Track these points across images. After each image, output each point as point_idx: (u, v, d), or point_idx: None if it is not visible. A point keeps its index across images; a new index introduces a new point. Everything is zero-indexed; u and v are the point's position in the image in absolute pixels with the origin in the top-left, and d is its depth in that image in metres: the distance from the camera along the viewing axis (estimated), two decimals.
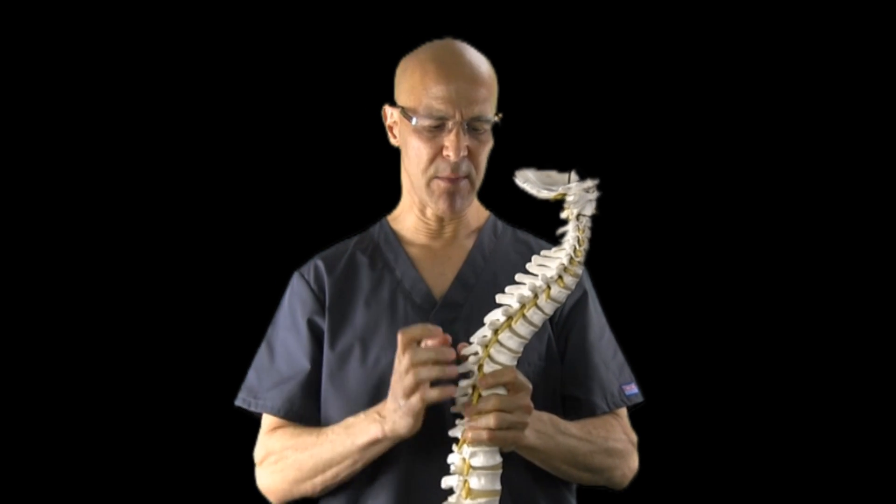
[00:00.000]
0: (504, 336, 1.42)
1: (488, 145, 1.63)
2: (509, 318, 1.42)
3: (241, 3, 2.48)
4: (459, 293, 1.65)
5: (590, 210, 1.39)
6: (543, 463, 1.56)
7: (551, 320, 1.66)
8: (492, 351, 1.42)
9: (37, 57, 2.42)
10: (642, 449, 1.69)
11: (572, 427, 1.58)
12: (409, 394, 1.43)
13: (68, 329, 2.42)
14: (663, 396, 1.92)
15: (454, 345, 1.51)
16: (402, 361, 1.44)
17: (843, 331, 2.48)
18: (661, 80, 2.52)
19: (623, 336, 1.75)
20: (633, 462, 1.67)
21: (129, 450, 2.41)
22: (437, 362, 1.42)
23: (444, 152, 1.58)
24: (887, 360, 2.46)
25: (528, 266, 1.43)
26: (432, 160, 1.60)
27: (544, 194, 1.41)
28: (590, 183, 1.39)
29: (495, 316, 1.42)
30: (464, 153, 1.57)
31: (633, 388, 1.70)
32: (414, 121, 1.59)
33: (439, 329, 1.45)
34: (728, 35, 2.50)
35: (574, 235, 1.40)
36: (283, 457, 1.62)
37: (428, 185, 1.61)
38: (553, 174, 1.43)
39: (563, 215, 1.41)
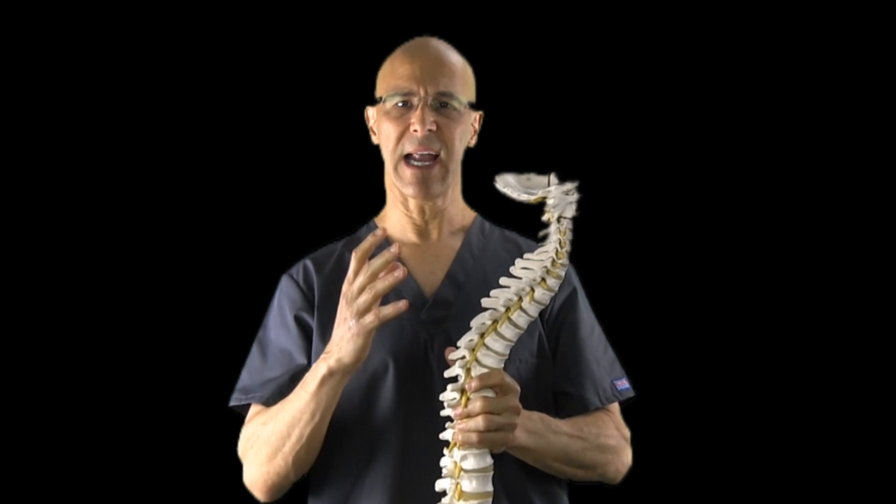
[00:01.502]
0: (490, 339, 1.43)
1: (460, 125, 1.65)
2: (494, 321, 1.43)
3: (230, 6, 2.48)
4: (450, 291, 1.66)
5: (570, 212, 1.41)
6: (536, 462, 1.58)
7: (542, 317, 1.67)
8: (479, 354, 1.44)
9: (30, 57, 2.43)
10: (634, 444, 1.70)
11: (563, 425, 1.59)
12: (364, 313, 1.44)
13: (57, 332, 2.43)
14: (654, 391, 1.93)
15: (447, 344, 1.54)
16: (354, 283, 1.44)
17: (833, 325, 2.49)
18: (642, 81, 2.52)
19: (612, 332, 1.76)
20: (627, 457, 1.68)
21: (117, 453, 2.42)
22: (388, 272, 1.43)
23: (411, 128, 1.62)
24: (873, 351, 2.48)
25: (512, 269, 1.44)
26: (400, 138, 1.63)
27: (524, 198, 1.42)
28: (569, 186, 1.41)
29: (481, 320, 1.43)
30: (430, 127, 1.61)
31: (624, 384, 1.72)
32: (383, 100, 1.64)
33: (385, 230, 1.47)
34: (707, 36, 2.51)
35: (556, 238, 1.41)
36: (255, 438, 1.61)
37: (396, 168, 1.64)
38: (533, 177, 1.44)
39: (545, 218, 1.42)
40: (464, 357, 1.44)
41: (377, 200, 1.76)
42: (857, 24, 2.48)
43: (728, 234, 2.52)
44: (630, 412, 1.74)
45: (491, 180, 1.46)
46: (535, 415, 1.56)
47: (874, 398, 2.46)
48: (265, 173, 2.48)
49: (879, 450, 2.45)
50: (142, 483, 2.42)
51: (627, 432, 1.70)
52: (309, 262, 1.72)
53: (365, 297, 1.44)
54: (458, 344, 1.44)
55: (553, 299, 1.68)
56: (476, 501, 1.44)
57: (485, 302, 1.44)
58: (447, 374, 1.45)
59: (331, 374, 1.50)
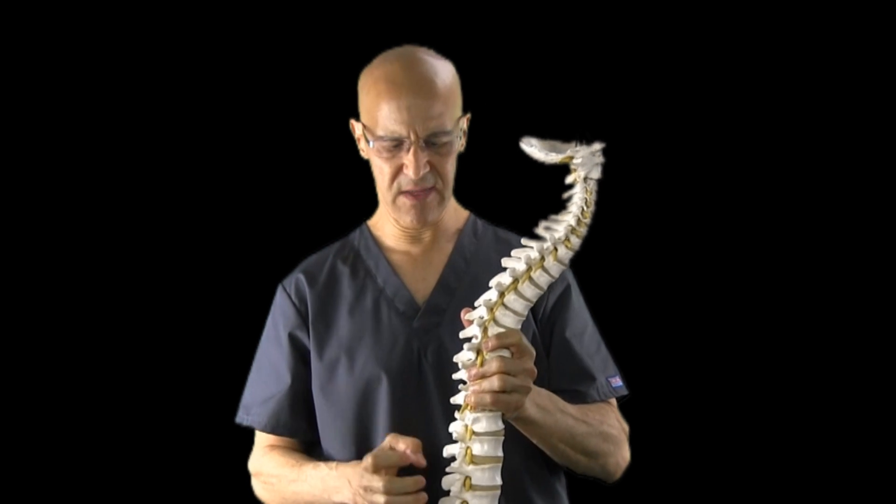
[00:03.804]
0: (510, 298, 1.42)
1: (452, 156, 1.62)
2: (515, 280, 1.42)
3: (223, 11, 2.49)
4: (442, 298, 1.65)
5: (596, 173, 1.42)
6: (542, 440, 1.55)
7: (535, 315, 1.67)
8: (497, 313, 1.42)
9: (28, 57, 2.44)
10: (630, 443, 1.69)
11: (570, 407, 1.58)
12: None
13: (56, 341, 2.43)
14: (646, 391, 1.93)
15: (440, 352, 1.57)
16: (373, 480, 1.49)
17: (831, 325, 2.50)
18: (647, 80, 2.55)
19: (606, 330, 1.77)
20: (626, 451, 1.67)
21: (116, 462, 2.42)
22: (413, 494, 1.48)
23: (405, 170, 1.59)
24: (872, 350, 2.49)
25: (536, 230, 1.44)
26: (394, 177, 1.61)
27: (552, 157, 1.43)
28: (597, 146, 1.43)
29: (501, 278, 1.43)
30: (424, 169, 1.58)
31: (618, 381, 1.71)
32: (371, 144, 1.60)
33: (416, 444, 1.51)
34: (722, 30, 2.53)
35: (582, 197, 1.42)
36: (270, 482, 1.68)
37: (394, 201, 1.63)
38: (556, 143, 1.46)
39: (570, 179, 1.43)
40: (482, 316, 1.43)
41: (370, 202, 1.74)
42: (863, 24, 2.53)
43: (722, 235, 2.52)
44: (624, 411, 1.73)
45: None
46: (545, 391, 1.55)
47: (871, 399, 2.48)
48: (259, 175, 2.49)
49: (879, 450, 2.45)
50: (141, 492, 2.42)
51: (626, 426, 1.69)
52: (301, 276, 1.71)
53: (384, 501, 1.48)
54: (477, 303, 1.43)
55: (546, 297, 1.67)
56: (486, 465, 1.41)
57: (505, 262, 1.43)
58: (463, 334, 1.44)
59: None
